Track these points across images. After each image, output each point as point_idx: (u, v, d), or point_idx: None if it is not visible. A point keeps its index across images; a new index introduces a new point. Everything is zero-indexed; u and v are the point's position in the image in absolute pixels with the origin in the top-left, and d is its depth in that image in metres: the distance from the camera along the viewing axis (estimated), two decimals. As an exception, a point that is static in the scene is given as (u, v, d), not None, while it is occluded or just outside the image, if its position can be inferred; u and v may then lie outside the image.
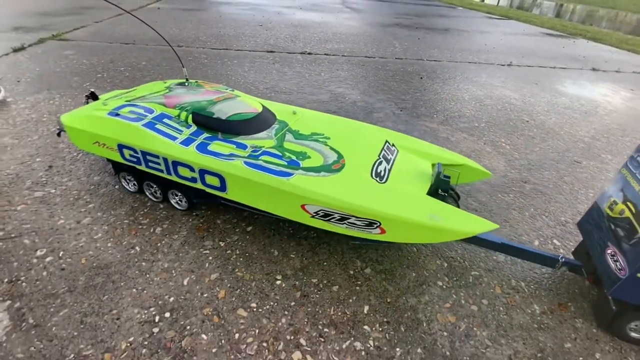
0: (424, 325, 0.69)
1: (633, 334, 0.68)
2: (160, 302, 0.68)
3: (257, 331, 0.65)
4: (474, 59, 2.81)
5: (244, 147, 0.78)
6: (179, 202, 0.91)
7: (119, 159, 0.86)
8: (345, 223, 0.69)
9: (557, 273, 0.84)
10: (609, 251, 0.68)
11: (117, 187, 0.99)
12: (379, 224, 0.66)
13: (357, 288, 0.75)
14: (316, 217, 0.71)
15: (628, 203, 0.67)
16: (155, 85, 1.06)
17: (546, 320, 0.72)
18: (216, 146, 0.78)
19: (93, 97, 1.03)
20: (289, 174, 0.71)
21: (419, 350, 0.64)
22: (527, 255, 0.77)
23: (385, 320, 0.69)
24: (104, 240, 0.81)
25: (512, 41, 3.77)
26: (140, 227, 0.86)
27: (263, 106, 0.91)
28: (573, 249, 0.86)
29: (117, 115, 0.85)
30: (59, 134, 0.96)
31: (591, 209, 0.79)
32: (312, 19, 3.92)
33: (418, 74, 2.30)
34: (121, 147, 0.83)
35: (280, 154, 0.77)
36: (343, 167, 0.75)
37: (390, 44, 3.05)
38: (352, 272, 0.79)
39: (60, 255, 0.77)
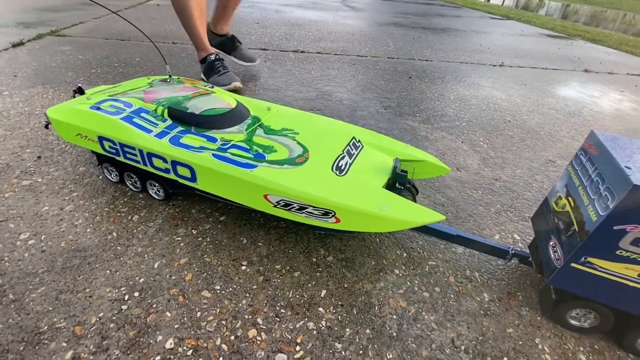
0: (376, 308, 0.74)
1: (573, 322, 0.72)
2: (130, 283, 0.74)
3: (218, 310, 0.70)
4: (466, 59, 2.84)
5: (214, 140, 0.83)
6: (157, 192, 0.96)
7: (100, 150, 0.91)
8: (304, 212, 0.74)
9: (511, 265, 0.88)
10: (551, 243, 0.72)
11: (100, 177, 1.04)
12: (333, 213, 0.71)
13: (318, 274, 0.80)
14: (278, 206, 0.76)
15: (569, 198, 0.71)
16: (139, 81, 1.12)
17: (493, 308, 0.77)
18: (188, 139, 0.83)
19: (80, 91, 1.08)
20: (254, 166, 0.76)
21: (367, 331, 0.69)
22: (480, 246, 0.82)
23: (339, 303, 0.74)
24: (83, 226, 0.87)
25: (509, 41, 3.78)
26: (119, 214, 0.91)
27: (237, 102, 0.96)
28: (529, 243, 0.90)
29: (99, 109, 0.90)
30: (46, 126, 1.02)
31: (542, 204, 0.83)
32: (310, 17, 3.96)
33: (407, 73, 2.34)
34: (101, 139, 0.88)
35: (249, 147, 0.82)
36: (306, 161, 0.80)
37: (384, 43, 3.08)
38: (314, 260, 0.84)
39: (42, 238, 0.82)
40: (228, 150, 0.80)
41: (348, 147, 0.88)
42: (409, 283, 0.80)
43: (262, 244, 0.87)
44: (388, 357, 0.65)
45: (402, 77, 2.24)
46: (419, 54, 2.86)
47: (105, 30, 2.59)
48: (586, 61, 3.24)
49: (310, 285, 0.77)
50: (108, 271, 0.76)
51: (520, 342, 0.70)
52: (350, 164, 0.82)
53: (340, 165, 0.80)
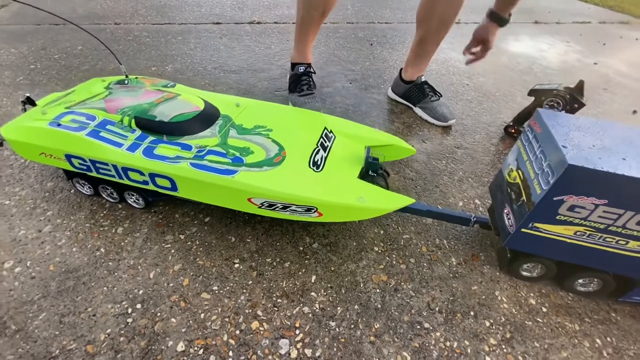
0: (361, 285, 0.83)
1: (524, 273, 0.86)
2: (130, 296, 0.77)
3: (219, 309, 0.76)
4: (424, 18, 2.84)
5: (189, 148, 0.84)
6: (136, 201, 0.96)
7: (69, 167, 0.89)
8: (288, 210, 0.79)
9: (474, 230, 1.00)
10: (505, 211, 0.83)
11: (72, 191, 1.02)
12: (316, 209, 0.77)
13: (306, 262, 0.88)
14: (262, 207, 0.80)
15: (519, 170, 0.81)
16: (93, 85, 1.06)
17: (460, 270, 0.89)
18: (162, 149, 0.83)
19: (30, 102, 1.01)
20: (234, 172, 0.79)
21: (356, 307, 0.79)
22: (446, 217, 0.92)
23: (329, 286, 0.83)
24: (68, 246, 0.87)
25: (463, -6, 3.78)
26: (101, 229, 0.92)
27: (205, 102, 0.95)
28: (488, 207, 1.02)
29: (59, 125, 0.86)
30: (1, 144, 0.96)
31: (497, 174, 0.93)
32: (261, -21, 3.70)
33: (368, 40, 2.32)
34: (69, 156, 0.86)
35: (225, 151, 0.84)
36: (283, 160, 0.83)
37: (342, 6, 2.99)
38: (301, 249, 0.91)
39: (28, 264, 0.82)
40: (205, 158, 0.82)
41: (321, 139, 0.92)
42: (387, 258, 0.90)
43: (250, 240, 0.92)
44: (375, 326, 0.75)
45: (363, 45, 2.23)
46: (378, 15, 2.82)
47: (32, 13, 2.30)
48: (536, 11, 3.34)
49: (300, 273, 0.85)
50: (105, 288, 0.78)
51: (483, 297, 0.83)
52: (326, 158, 0.87)
53: (316, 160, 0.85)
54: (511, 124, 1.42)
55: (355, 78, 1.81)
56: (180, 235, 0.91)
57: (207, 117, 0.91)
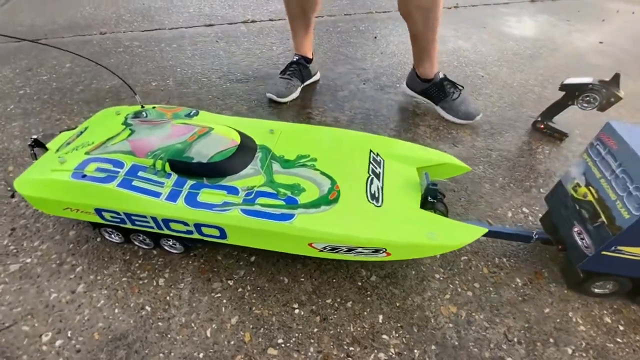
0: (432, 321, 0.79)
1: (596, 290, 0.82)
2: (191, 361, 0.71)
3: (291, 366, 0.71)
4: (422, 4, 2.74)
5: (235, 191, 0.76)
6: (173, 246, 0.89)
7: (99, 221, 0.80)
8: (353, 252, 0.73)
9: (528, 245, 0.96)
10: (575, 229, 0.79)
11: (98, 239, 0.93)
12: (384, 250, 0.71)
13: (368, 299, 0.82)
14: (324, 251, 0.74)
15: (590, 188, 0.76)
16: (108, 120, 0.95)
17: (527, 292, 0.85)
18: (206, 195, 0.75)
19: (39, 144, 0.91)
20: (290, 217, 0.72)
21: (432, 347, 0.74)
22: (506, 235, 0.87)
23: (399, 325, 0.78)
24: (109, 307, 0.79)
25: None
26: (141, 282, 0.84)
27: (240, 134, 0.87)
28: (540, 217, 0.98)
29: (84, 176, 0.77)
30: (12, 196, 0.86)
31: (556, 186, 0.89)
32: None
33: (371, 33, 2.22)
34: (99, 210, 0.77)
35: (275, 191, 0.77)
36: (339, 196, 0.76)
37: (335, -4, 2.85)
38: (360, 284, 0.85)
39: (69, 335, 0.74)
40: (256, 202, 0.74)
41: (371, 165, 0.85)
42: (451, 285, 0.85)
43: (304, 279, 0.86)
44: (458, 368, 0.71)
45: (367, 39, 2.14)
46: (375, 4, 2.71)
47: (9, 28, 2.11)
48: (530, -12, 3.27)
49: (365, 313, 0.80)
50: (161, 354, 0.72)
51: (558, 320, 0.80)
52: (382, 188, 0.80)
53: (373, 192, 0.78)
54: (539, 119, 1.38)
55: (367, 78, 1.73)
56: (229, 281, 0.85)
57: (247, 151, 0.83)
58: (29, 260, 0.88)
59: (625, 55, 2.11)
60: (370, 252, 0.72)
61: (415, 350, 0.74)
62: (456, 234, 0.72)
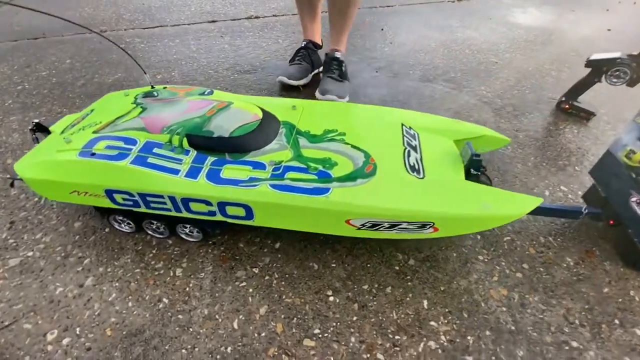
0: (482, 305, 0.71)
1: (654, 265, 0.75)
2: (218, 357, 0.62)
3: (332, 358, 0.62)
4: (424, -1, 2.72)
5: (262, 166, 0.69)
6: (190, 233, 0.81)
7: (110, 205, 0.73)
8: (395, 229, 0.66)
9: (573, 222, 0.89)
10: (633, 199, 0.72)
11: (107, 230, 0.85)
12: (432, 224, 0.64)
13: (409, 284, 0.75)
14: (363, 228, 0.66)
15: (649, 151, 0.70)
16: (116, 101, 0.88)
17: (581, 271, 0.78)
18: (230, 171, 0.68)
19: (41, 129, 0.83)
20: (325, 190, 0.64)
21: (487, 332, 0.67)
22: (554, 212, 0.80)
23: (447, 310, 0.70)
24: (121, 301, 0.71)
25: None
26: (156, 274, 0.76)
27: (262, 109, 0.80)
28: (582, 194, 0.91)
29: (93, 154, 0.69)
30: (12, 184, 0.79)
31: (604, 157, 0.82)
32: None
33: (378, 25, 2.18)
34: (110, 192, 0.69)
35: (305, 165, 0.69)
36: (376, 168, 0.69)
37: (337, -7, 2.83)
38: (397, 268, 0.78)
39: (78, 332, 0.66)
40: (285, 176, 0.67)
41: (405, 138, 0.78)
42: (497, 267, 0.78)
43: (335, 265, 0.78)
44: (520, 354, 0.63)
45: (375, 31, 2.09)
46: None
47: (7, 29, 2.05)
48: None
49: (408, 298, 0.72)
50: (184, 350, 0.63)
51: (620, 300, 0.72)
52: (421, 160, 0.73)
53: (412, 164, 0.71)
54: (563, 99, 1.32)
55: (380, 66, 1.68)
56: (254, 269, 0.77)
57: (270, 126, 0.76)
58: (30, 253, 0.80)
59: (635, 40, 2.07)
60: (415, 227, 0.65)
61: (469, 337, 0.66)
62: (512, 204, 0.65)
